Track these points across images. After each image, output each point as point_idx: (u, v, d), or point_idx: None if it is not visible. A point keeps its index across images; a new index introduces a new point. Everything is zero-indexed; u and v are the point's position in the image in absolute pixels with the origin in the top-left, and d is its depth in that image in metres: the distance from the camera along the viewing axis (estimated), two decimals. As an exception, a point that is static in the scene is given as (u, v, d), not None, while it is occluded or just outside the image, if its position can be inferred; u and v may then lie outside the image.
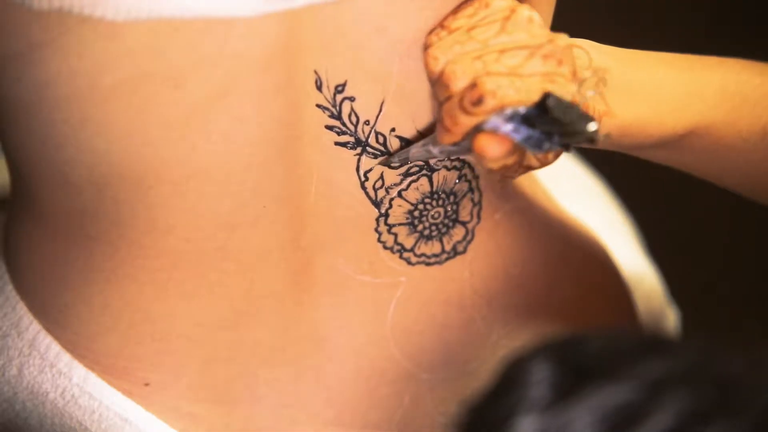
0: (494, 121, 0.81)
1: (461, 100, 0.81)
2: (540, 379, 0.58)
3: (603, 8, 2.05)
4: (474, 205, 0.94)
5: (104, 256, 0.89)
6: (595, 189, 1.24)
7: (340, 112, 0.86)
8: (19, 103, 0.84)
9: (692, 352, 0.58)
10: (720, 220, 1.93)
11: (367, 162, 0.88)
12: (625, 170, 1.30)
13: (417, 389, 0.98)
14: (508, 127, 0.81)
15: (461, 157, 0.91)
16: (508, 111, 0.80)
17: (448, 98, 0.83)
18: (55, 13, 0.78)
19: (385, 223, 0.91)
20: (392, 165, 0.89)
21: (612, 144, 0.89)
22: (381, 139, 0.88)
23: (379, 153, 0.88)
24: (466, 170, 0.92)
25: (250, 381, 0.94)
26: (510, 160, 0.83)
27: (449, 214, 0.93)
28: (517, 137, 0.80)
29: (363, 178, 0.89)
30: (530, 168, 0.86)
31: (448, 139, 0.83)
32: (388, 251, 0.93)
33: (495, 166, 0.83)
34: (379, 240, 0.92)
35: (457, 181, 0.92)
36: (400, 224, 0.92)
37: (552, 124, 0.79)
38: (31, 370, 0.94)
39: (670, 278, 1.25)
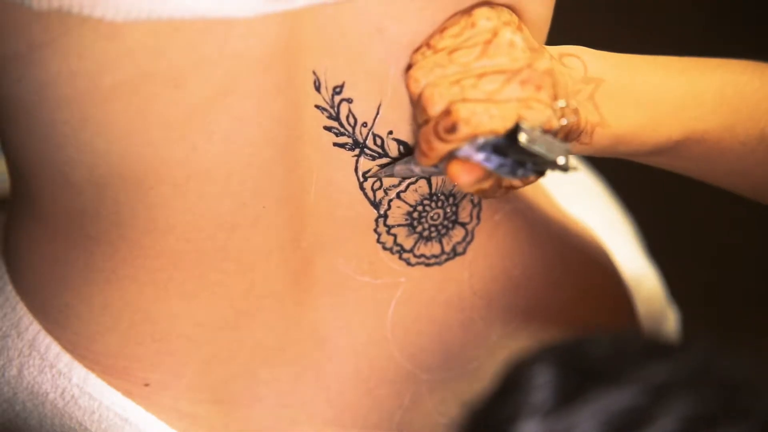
0: (466, 150, 0.81)
1: (436, 125, 0.82)
2: (543, 383, 0.58)
3: (603, 8, 2.05)
4: (473, 206, 0.94)
5: (104, 257, 0.89)
6: (595, 189, 1.24)
7: (338, 114, 0.86)
8: (19, 103, 0.84)
9: (696, 355, 0.58)
10: (720, 220, 1.93)
11: (365, 163, 0.88)
12: (625, 170, 1.30)
13: (417, 389, 0.98)
14: (479, 156, 0.81)
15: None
16: (480, 140, 0.81)
17: (426, 121, 0.83)
18: (55, 13, 0.78)
19: (385, 224, 0.91)
20: (378, 176, 0.89)
21: (607, 152, 0.89)
22: (378, 141, 0.88)
23: (376, 155, 0.88)
24: (465, 171, 0.92)
25: (250, 381, 0.94)
26: (485, 185, 0.83)
27: (449, 215, 0.93)
28: (489, 165, 0.81)
29: (362, 179, 0.89)
30: (512, 188, 0.86)
31: (424, 162, 0.84)
32: (387, 252, 0.93)
33: (471, 190, 0.84)
34: (378, 240, 0.92)
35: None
36: (399, 225, 0.92)
37: (523, 154, 0.80)
38: (31, 371, 0.94)
39: (670, 279, 1.24)
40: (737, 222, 1.89)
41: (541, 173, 0.82)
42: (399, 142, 0.88)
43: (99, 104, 0.81)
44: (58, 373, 0.93)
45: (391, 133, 0.88)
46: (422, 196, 0.91)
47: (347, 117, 0.86)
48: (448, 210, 0.93)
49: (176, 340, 0.91)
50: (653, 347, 0.59)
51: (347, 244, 0.91)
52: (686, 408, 0.56)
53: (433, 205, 0.92)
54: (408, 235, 0.93)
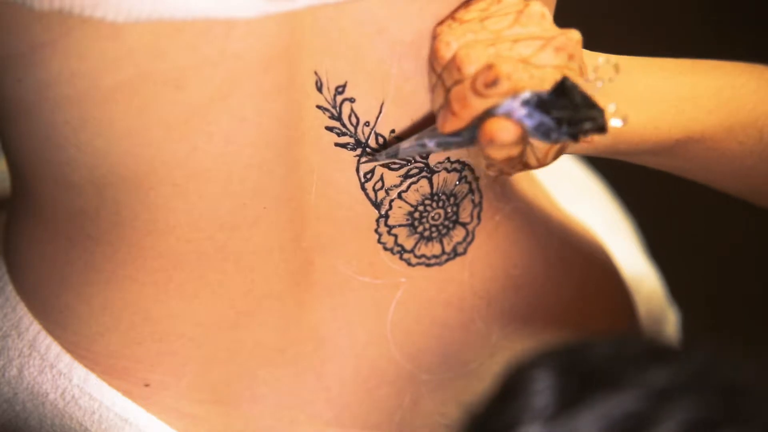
0: (509, 104, 0.80)
1: (473, 82, 0.81)
2: (544, 387, 0.58)
3: (601, 10, 2.05)
4: (474, 206, 0.94)
5: (104, 257, 0.89)
6: (596, 190, 1.24)
7: (340, 113, 0.86)
8: (20, 103, 0.84)
9: (697, 359, 0.58)
10: (720, 221, 1.93)
11: (365, 164, 0.88)
12: (625, 171, 1.30)
13: (417, 390, 0.98)
14: (522, 112, 0.80)
15: (457, 150, 0.90)
16: (526, 94, 0.80)
17: (458, 82, 0.82)
18: (56, 13, 0.78)
19: (386, 224, 0.91)
20: (379, 161, 0.88)
21: (607, 151, 0.89)
22: (381, 141, 0.88)
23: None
24: (466, 172, 0.92)
25: (251, 381, 0.94)
26: (514, 151, 0.82)
27: (449, 215, 0.93)
28: (530, 123, 0.80)
29: (363, 179, 0.89)
30: (528, 167, 0.86)
31: (452, 125, 0.82)
32: (388, 252, 0.93)
33: (500, 155, 0.82)
34: (379, 241, 0.92)
35: (457, 182, 0.92)
36: (400, 225, 0.92)
37: (567, 109, 0.79)
38: (32, 371, 0.94)
39: (670, 279, 1.24)
40: (737, 222, 1.89)
41: (574, 136, 0.81)
42: (401, 140, 0.88)
43: (99, 104, 0.81)
44: (59, 374, 0.93)
45: (393, 131, 0.88)
46: (423, 195, 0.91)
47: (349, 117, 0.86)
48: (449, 210, 0.93)
49: (176, 341, 0.91)
50: (654, 351, 0.59)
51: (348, 244, 0.91)
52: (688, 413, 0.56)
53: (434, 205, 0.92)
54: (409, 236, 0.93)
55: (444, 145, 0.85)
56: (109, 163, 0.84)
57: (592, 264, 1.06)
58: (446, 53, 0.83)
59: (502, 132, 0.80)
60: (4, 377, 0.94)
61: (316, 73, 0.84)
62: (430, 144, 0.85)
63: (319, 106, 0.85)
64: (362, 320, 0.94)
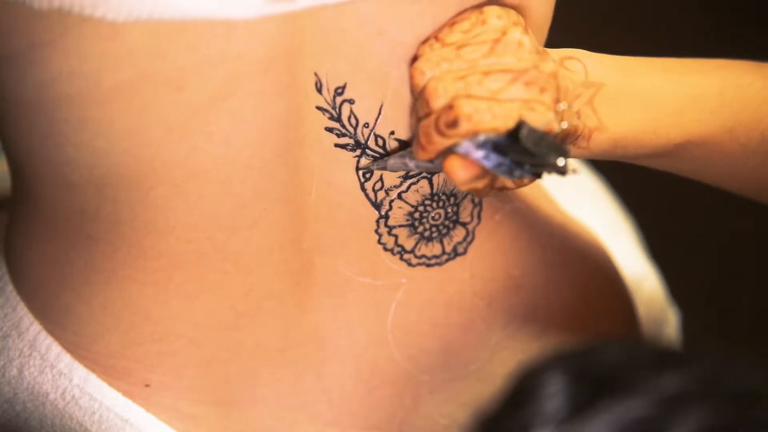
0: (466, 146, 0.81)
1: (437, 119, 0.81)
2: (556, 392, 0.57)
3: (603, 10, 2.05)
4: (474, 206, 0.94)
5: (104, 257, 0.89)
6: (596, 190, 1.24)
7: (339, 115, 0.86)
8: (19, 102, 0.84)
9: (708, 365, 0.58)
10: (721, 221, 1.93)
11: (367, 164, 0.88)
12: (625, 172, 1.30)
13: (417, 390, 0.98)
14: (479, 154, 0.81)
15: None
16: (481, 138, 0.81)
17: (427, 115, 0.83)
18: (56, 12, 0.78)
19: (386, 225, 0.91)
20: (371, 169, 0.89)
21: (606, 155, 0.89)
22: (380, 142, 0.88)
23: (378, 155, 0.88)
24: (467, 172, 0.92)
25: (251, 382, 0.94)
26: (480, 184, 0.83)
27: (450, 215, 0.93)
28: (488, 164, 0.81)
29: (363, 180, 0.89)
30: (504, 188, 0.86)
31: (422, 156, 0.84)
32: (388, 253, 0.93)
33: (464, 188, 0.83)
34: (379, 241, 0.92)
35: (457, 182, 0.92)
36: (400, 226, 0.92)
37: (523, 154, 0.80)
38: (32, 371, 0.93)
39: (670, 280, 1.24)
40: (738, 223, 1.89)
41: (538, 175, 0.81)
42: (401, 142, 0.88)
43: (99, 104, 0.81)
44: (59, 374, 0.93)
45: (393, 133, 0.87)
46: (424, 196, 0.91)
47: (349, 118, 0.86)
48: (449, 210, 0.93)
49: (176, 341, 0.91)
50: (665, 356, 0.59)
51: (348, 245, 0.91)
52: (700, 419, 0.55)
53: (434, 205, 0.92)
54: (409, 236, 0.93)
55: (421, 168, 0.87)
56: (109, 162, 0.84)
57: (593, 264, 1.06)
58: (420, 82, 0.83)
59: (458, 171, 0.82)
60: (5, 377, 0.94)
61: (316, 74, 0.84)
62: (411, 164, 0.87)
63: (318, 107, 0.85)
64: (362, 321, 0.94)
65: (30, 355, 0.94)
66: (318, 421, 0.96)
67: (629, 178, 1.42)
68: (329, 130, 0.86)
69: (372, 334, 0.95)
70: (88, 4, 0.77)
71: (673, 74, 0.90)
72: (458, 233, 0.95)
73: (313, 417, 0.95)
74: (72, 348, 0.93)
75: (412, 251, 0.93)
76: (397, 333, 0.95)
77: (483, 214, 0.95)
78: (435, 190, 0.91)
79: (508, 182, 0.86)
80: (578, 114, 0.85)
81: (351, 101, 0.85)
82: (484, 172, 0.82)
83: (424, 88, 0.83)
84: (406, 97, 0.86)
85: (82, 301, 0.91)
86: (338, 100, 0.85)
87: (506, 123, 0.81)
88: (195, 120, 0.82)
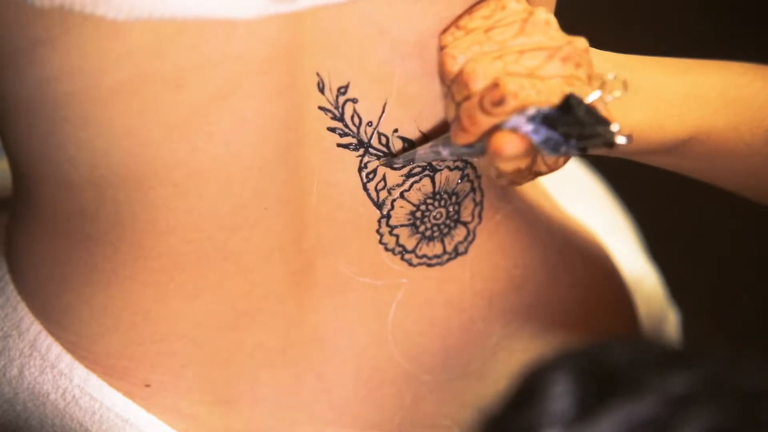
0: (515, 120, 0.80)
1: (481, 100, 0.81)
2: (563, 392, 0.57)
3: (603, 8, 2.05)
4: (475, 205, 0.94)
5: (105, 257, 0.89)
6: (596, 190, 1.24)
7: (342, 114, 0.86)
8: (20, 100, 0.83)
9: (716, 364, 0.58)
10: (721, 221, 1.93)
11: (369, 163, 0.88)
12: (626, 171, 1.30)
13: (417, 390, 0.97)
14: (528, 128, 0.80)
15: (472, 160, 0.90)
16: (531, 111, 0.80)
17: (467, 98, 0.82)
18: (57, 10, 0.78)
19: (387, 225, 0.91)
20: (395, 166, 0.88)
21: (612, 150, 0.89)
22: (384, 140, 0.87)
23: (381, 154, 0.88)
24: (468, 170, 0.92)
25: (251, 382, 0.94)
26: (523, 163, 0.82)
27: (451, 214, 0.93)
28: (536, 138, 0.80)
29: (365, 180, 0.89)
30: (539, 174, 0.86)
31: (463, 140, 0.82)
32: (389, 253, 0.93)
33: (508, 167, 0.82)
34: (380, 241, 0.92)
35: (459, 181, 0.92)
36: (401, 225, 0.92)
37: (573, 126, 0.79)
38: (32, 371, 0.93)
39: (670, 279, 1.24)
40: (738, 223, 1.89)
41: (583, 150, 0.80)
42: (404, 140, 0.88)
43: (99, 103, 0.81)
44: (59, 374, 0.93)
45: (396, 131, 0.87)
46: (426, 195, 0.91)
47: (352, 117, 0.86)
48: (451, 209, 0.93)
49: (177, 341, 0.91)
50: (672, 355, 0.59)
51: (349, 245, 0.91)
52: (708, 419, 0.55)
53: (435, 204, 0.92)
54: (410, 236, 0.93)
55: (456, 155, 0.85)
56: (109, 162, 0.84)
57: (593, 264, 1.06)
58: (453, 68, 0.82)
59: (509, 146, 0.80)
60: (5, 377, 0.94)
61: (318, 74, 0.84)
62: (444, 152, 0.85)
63: (321, 107, 0.85)
64: (363, 321, 0.94)
65: (30, 355, 0.94)
66: (318, 421, 0.96)
67: (629, 178, 1.42)
68: (331, 130, 0.86)
69: (372, 334, 0.95)
70: (88, 2, 0.77)
71: (676, 72, 0.90)
72: (459, 233, 0.94)
73: (314, 417, 0.95)
74: (72, 348, 0.93)
75: (413, 251, 0.93)
76: (398, 333, 0.95)
77: (484, 214, 0.95)
78: (437, 189, 0.91)
79: (543, 167, 0.85)
80: (625, 84, 0.84)
81: (354, 100, 0.85)
82: (530, 150, 0.81)
83: (460, 72, 0.82)
84: (409, 95, 0.86)
85: (83, 301, 0.91)
86: (341, 99, 0.85)
87: (549, 99, 0.80)
88: (195, 120, 0.82)
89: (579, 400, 0.57)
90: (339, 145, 0.87)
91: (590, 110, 0.79)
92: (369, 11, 0.82)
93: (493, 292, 0.98)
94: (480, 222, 0.95)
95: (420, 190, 0.91)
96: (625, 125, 0.86)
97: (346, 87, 0.85)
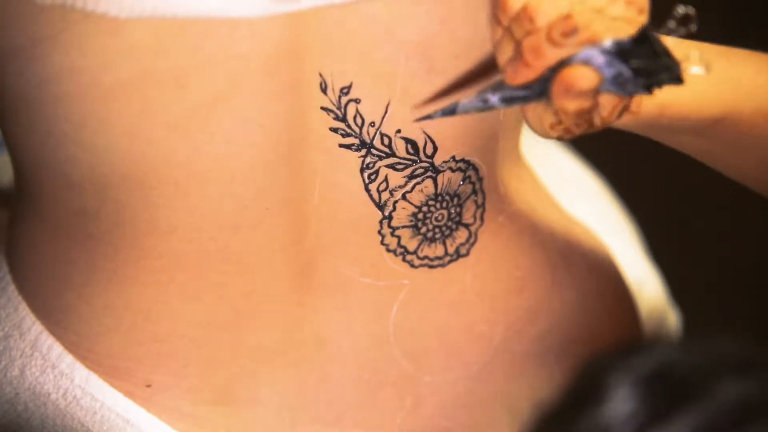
0: (588, 52, 0.78)
1: (549, 32, 0.79)
2: (628, 394, 0.56)
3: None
4: (477, 207, 0.94)
5: (106, 257, 0.89)
6: (598, 191, 1.24)
7: (345, 114, 0.86)
8: (21, 98, 0.83)
9: None
10: (722, 222, 1.93)
11: (373, 164, 0.88)
12: (627, 172, 1.30)
13: (418, 391, 0.97)
14: (601, 60, 0.78)
15: (524, 105, 0.86)
16: (607, 42, 0.78)
17: (529, 33, 0.80)
18: (58, 8, 0.78)
19: (389, 226, 0.91)
20: (434, 117, 0.85)
21: (651, 123, 0.87)
22: (386, 141, 0.87)
23: (383, 155, 0.88)
24: (470, 172, 0.92)
25: (252, 382, 0.93)
26: (587, 104, 0.80)
27: (453, 216, 0.93)
28: (608, 72, 0.78)
29: (367, 180, 0.89)
30: (592, 126, 0.84)
31: (525, 76, 0.80)
32: (391, 254, 0.92)
33: (573, 106, 0.80)
34: (382, 242, 0.92)
35: (461, 182, 0.92)
36: (403, 227, 0.92)
37: (647, 58, 0.78)
38: (33, 371, 0.93)
39: (671, 280, 1.24)
40: (739, 224, 1.89)
41: (649, 89, 0.79)
42: (407, 140, 0.88)
43: (100, 102, 0.81)
44: (60, 374, 0.93)
45: (399, 131, 0.87)
46: (428, 196, 0.91)
47: (354, 117, 0.86)
48: (453, 211, 0.93)
49: (178, 341, 0.91)
50: (734, 359, 0.58)
51: (350, 246, 0.91)
52: None
53: (437, 205, 0.92)
54: (412, 237, 0.92)
55: (509, 100, 0.82)
56: (110, 161, 0.84)
57: (595, 265, 1.06)
58: (515, 4, 0.80)
59: (582, 79, 0.78)
60: (6, 377, 0.94)
61: (320, 74, 0.84)
62: (494, 99, 0.82)
63: (323, 108, 0.85)
64: (364, 322, 0.94)
65: (32, 355, 0.93)
66: (319, 422, 0.96)
67: (630, 178, 1.42)
68: (334, 130, 0.86)
69: (374, 335, 0.95)
70: (90, 0, 0.77)
71: (710, 53, 0.89)
72: (461, 234, 0.94)
73: (315, 417, 0.95)
74: (73, 348, 0.93)
75: (414, 252, 0.93)
76: (399, 334, 0.95)
77: (486, 216, 0.95)
78: (439, 191, 0.91)
79: (597, 118, 0.83)
80: (708, 65, 0.83)
81: (357, 101, 0.85)
82: (600, 85, 0.79)
83: (524, 8, 0.80)
84: (412, 95, 0.86)
85: (84, 301, 0.91)
86: (343, 99, 0.85)
87: (617, 35, 0.79)
88: (197, 119, 0.82)
89: (647, 404, 0.56)
90: (341, 146, 0.87)
91: (663, 45, 0.78)
92: (373, 11, 0.82)
93: (494, 294, 0.98)
94: (482, 224, 0.95)
95: (422, 191, 0.90)
96: (663, 98, 0.85)
97: (349, 87, 0.84)
